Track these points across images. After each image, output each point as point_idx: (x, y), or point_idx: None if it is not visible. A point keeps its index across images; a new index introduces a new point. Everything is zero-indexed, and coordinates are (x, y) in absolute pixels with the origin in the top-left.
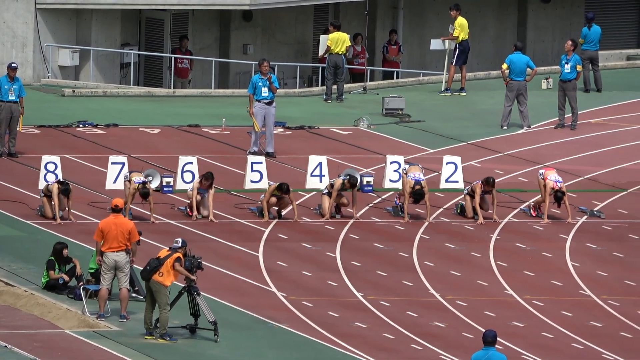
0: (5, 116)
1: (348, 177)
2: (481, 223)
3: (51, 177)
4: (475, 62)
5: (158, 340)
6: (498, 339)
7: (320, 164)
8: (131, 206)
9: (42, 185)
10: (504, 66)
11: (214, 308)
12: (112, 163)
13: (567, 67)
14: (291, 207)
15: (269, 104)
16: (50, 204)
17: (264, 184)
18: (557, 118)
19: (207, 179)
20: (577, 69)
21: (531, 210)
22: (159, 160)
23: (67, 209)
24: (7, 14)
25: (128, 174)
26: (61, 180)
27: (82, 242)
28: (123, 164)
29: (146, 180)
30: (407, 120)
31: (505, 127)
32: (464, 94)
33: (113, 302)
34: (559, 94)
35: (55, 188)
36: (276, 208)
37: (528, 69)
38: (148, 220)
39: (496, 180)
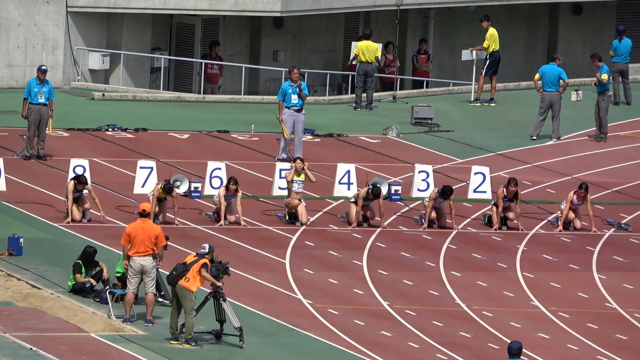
0: (35, 119)
1: (372, 187)
2: (496, 229)
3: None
4: (506, 73)
5: (183, 345)
6: (523, 350)
7: (348, 171)
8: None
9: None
10: (537, 76)
11: (239, 314)
12: (141, 167)
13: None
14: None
15: (299, 111)
16: (77, 208)
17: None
18: (593, 129)
19: (234, 183)
20: (602, 77)
21: (559, 222)
22: (187, 165)
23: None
24: (39, 17)
25: (152, 189)
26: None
27: (109, 246)
28: (151, 168)
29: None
30: (436, 129)
31: (535, 138)
32: (493, 104)
33: (139, 307)
34: (596, 106)
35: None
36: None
37: (561, 81)
38: (175, 225)
39: (524, 192)
